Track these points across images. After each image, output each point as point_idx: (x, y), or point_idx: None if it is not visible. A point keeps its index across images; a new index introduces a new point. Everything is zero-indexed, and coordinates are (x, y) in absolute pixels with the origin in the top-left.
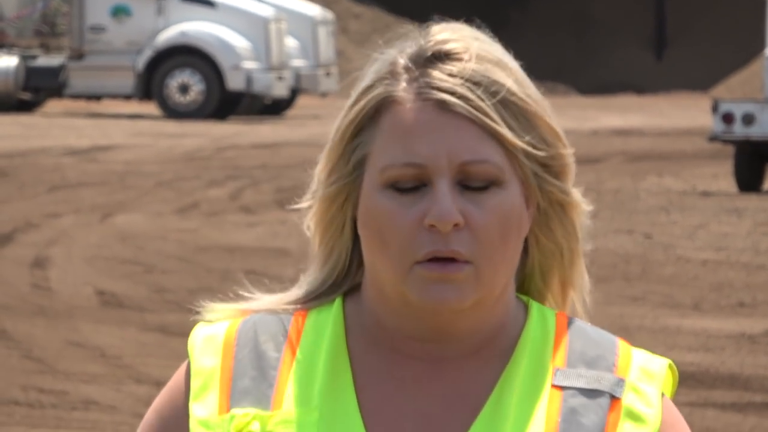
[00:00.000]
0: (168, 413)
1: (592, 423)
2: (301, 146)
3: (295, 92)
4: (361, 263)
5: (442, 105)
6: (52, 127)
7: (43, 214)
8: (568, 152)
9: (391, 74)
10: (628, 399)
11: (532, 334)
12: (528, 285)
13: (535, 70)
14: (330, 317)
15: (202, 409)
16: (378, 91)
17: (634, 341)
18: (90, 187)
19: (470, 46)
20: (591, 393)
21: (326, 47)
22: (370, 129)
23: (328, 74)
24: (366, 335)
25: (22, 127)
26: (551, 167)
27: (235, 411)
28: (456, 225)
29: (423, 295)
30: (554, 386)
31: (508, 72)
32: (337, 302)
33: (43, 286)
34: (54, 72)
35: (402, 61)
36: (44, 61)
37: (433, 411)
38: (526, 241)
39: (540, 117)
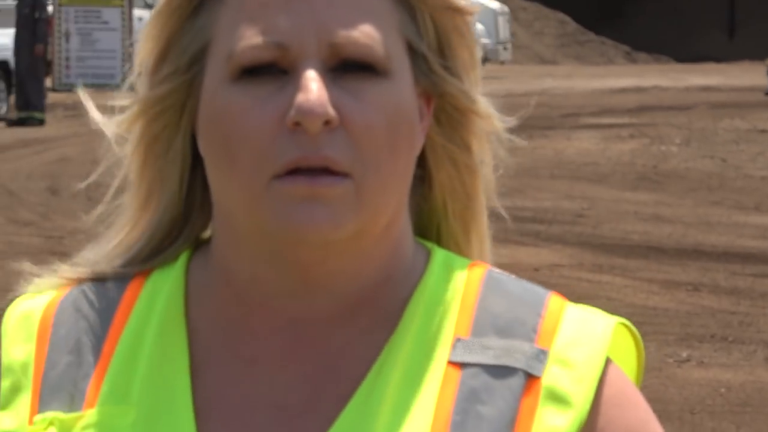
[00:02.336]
0: None
1: (497, 411)
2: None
3: (483, 61)
4: (206, 201)
5: None
6: None
7: None
8: (472, 44)
9: None
10: (550, 376)
11: (430, 290)
12: (431, 227)
13: (648, 45)
14: (169, 279)
15: (11, 417)
16: None
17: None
18: None
19: None
20: (498, 371)
21: (503, 30)
22: (211, 7)
23: (504, 48)
24: (212, 301)
25: None
26: (451, 62)
27: (37, 417)
28: (328, 123)
29: (284, 218)
30: (451, 363)
31: None
32: (181, 260)
33: None
34: None
35: None
36: None
37: (291, 399)
38: (424, 168)
39: None
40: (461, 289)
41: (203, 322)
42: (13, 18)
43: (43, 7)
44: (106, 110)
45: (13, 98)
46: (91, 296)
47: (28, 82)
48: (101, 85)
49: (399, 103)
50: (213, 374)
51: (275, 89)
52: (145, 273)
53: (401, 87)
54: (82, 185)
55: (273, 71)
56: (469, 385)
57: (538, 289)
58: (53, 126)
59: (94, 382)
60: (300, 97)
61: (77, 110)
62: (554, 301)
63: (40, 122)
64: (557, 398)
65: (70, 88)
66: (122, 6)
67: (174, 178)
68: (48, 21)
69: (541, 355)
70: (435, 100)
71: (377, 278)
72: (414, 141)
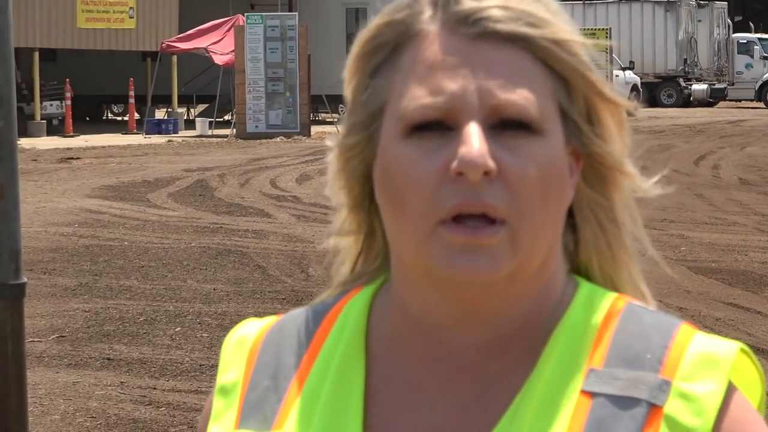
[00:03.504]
0: None
1: None
2: None
3: None
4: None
5: (474, 31)
6: None
7: None
8: (621, 105)
9: (413, 6)
10: (671, 406)
11: (572, 323)
12: (583, 266)
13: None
14: (356, 311)
15: (218, 429)
16: (397, 21)
17: None
18: None
19: None
20: (624, 401)
21: None
22: (388, 71)
23: None
24: (389, 331)
25: None
26: (598, 128)
27: None
28: (487, 173)
29: (448, 263)
30: (584, 392)
31: (547, 8)
32: (367, 292)
33: None
34: None
35: None
36: None
37: (447, 424)
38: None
39: (587, 66)
40: (598, 320)
41: (381, 348)
42: None
43: None
44: None
45: None
46: (296, 323)
47: None
48: None
49: (551, 158)
50: (384, 400)
51: (441, 144)
52: (346, 299)
53: (553, 144)
54: None
55: (439, 128)
56: (598, 414)
57: (671, 320)
58: None
59: (285, 405)
60: (462, 150)
61: None
62: (683, 331)
63: None
64: (677, 428)
65: None
66: (606, 68)
67: (364, 216)
68: None
69: (665, 386)
70: (583, 159)
71: (529, 312)
72: (564, 193)
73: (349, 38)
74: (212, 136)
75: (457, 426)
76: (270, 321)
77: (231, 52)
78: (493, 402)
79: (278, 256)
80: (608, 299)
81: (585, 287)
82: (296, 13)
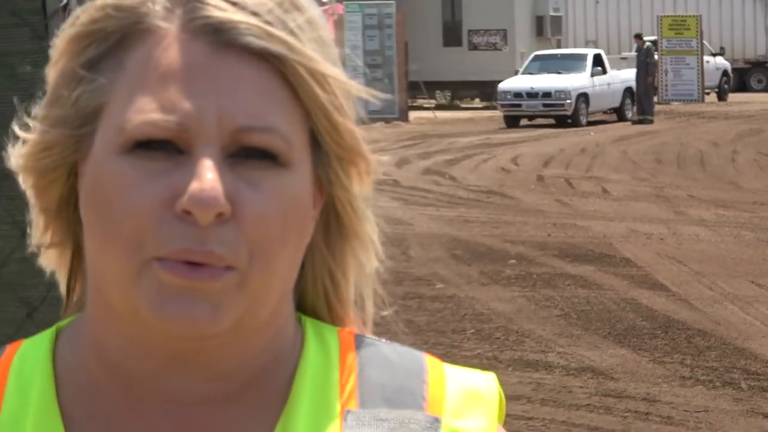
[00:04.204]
0: None
1: None
2: None
3: None
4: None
5: (219, 39)
6: None
7: None
8: (365, 147)
9: None
10: None
11: (311, 363)
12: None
13: None
14: (36, 365)
15: None
16: (125, 12)
17: None
18: None
19: None
20: None
21: None
22: (110, 68)
23: None
24: (87, 383)
25: None
26: (345, 154)
27: None
28: (220, 215)
29: (160, 309)
30: None
31: (306, 13)
32: (46, 339)
33: None
34: None
35: None
36: None
37: None
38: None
39: (337, 108)
40: (336, 358)
41: (79, 408)
42: (634, 62)
43: (652, 56)
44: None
45: (635, 108)
46: None
47: (644, 98)
48: (686, 101)
49: (296, 194)
50: None
51: (168, 168)
52: (14, 347)
53: (300, 177)
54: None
55: (167, 148)
56: None
57: (413, 352)
58: (658, 124)
59: None
60: (194, 186)
61: (671, 114)
62: (432, 363)
63: (651, 122)
64: None
65: (668, 102)
66: (697, 54)
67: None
68: (654, 64)
69: (436, 423)
70: (326, 195)
71: (262, 361)
72: (306, 231)
73: (446, 25)
74: None
75: None
76: None
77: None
78: None
79: (379, 238)
80: (335, 333)
81: (308, 323)
82: (393, 2)
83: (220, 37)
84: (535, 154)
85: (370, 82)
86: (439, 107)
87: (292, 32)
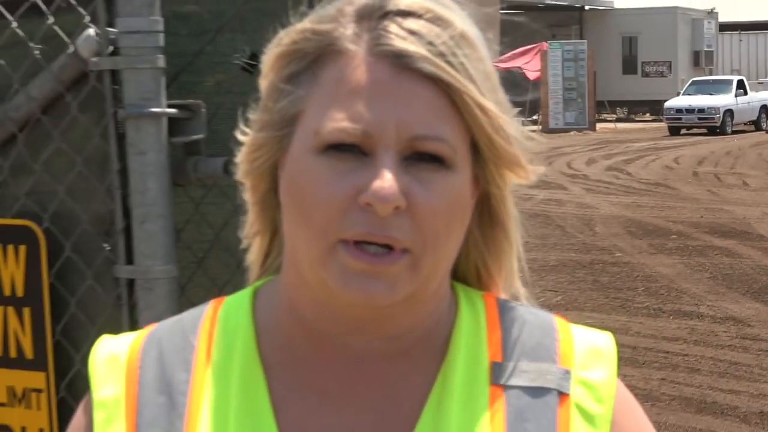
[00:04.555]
0: None
1: (542, 428)
2: None
3: None
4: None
5: (399, 63)
6: None
7: None
8: (520, 152)
9: (339, 17)
10: (576, 394)
11: (465, 323)
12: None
13: None
14: (239, 319)
15: None
16: (321, 32)
17: None
18: None
19: (433, 8)
20: (537, 391)
21: None
22: (307, 81)
23: None
24: (282, 337)
25: None
26: (501, 163)
27: None
28: (397, 208)
29: (345, 285)
30: (494, 385)
31: (474, 47)
32: (242, 296)
33: None
34: None
35: (351, 9)
36: None
37: (363, 426)
38: None
39: (504, 110)
40: (483, 318)
41: (276, 355)
42: None
43: None
44: None
45: None
46: (172, 336)
47: None
48: None
49: (459, 192)
50: (292, 408)
51: (355, 167)
52: (217, 305)
53: (462, 178)
54: None
55: (354, 150)
56: (515, 406)
57: (544, 314)
58: None
59: (190, 423)
60: (376, 184)
61: None
62: (560, 323)
63: None
64: (585, 415)
65: None
66: None
67: (262, 218)
68: None
69: (567, 374)
70: (482, 189)
71: (427, 324)
72: (466, 221)
73: (624, 59)
74: None
75: (374, 427)
76: (137, 336)
77: (538, 69)
78: (405, 401)
79: (572, 218)
80: (481, 297)
81: (460, 289)
82: (585, 41)
83: (399, 61)
84: (691, 156)
85: (567, 102)
86: (619, 120)
87: (461, 63)
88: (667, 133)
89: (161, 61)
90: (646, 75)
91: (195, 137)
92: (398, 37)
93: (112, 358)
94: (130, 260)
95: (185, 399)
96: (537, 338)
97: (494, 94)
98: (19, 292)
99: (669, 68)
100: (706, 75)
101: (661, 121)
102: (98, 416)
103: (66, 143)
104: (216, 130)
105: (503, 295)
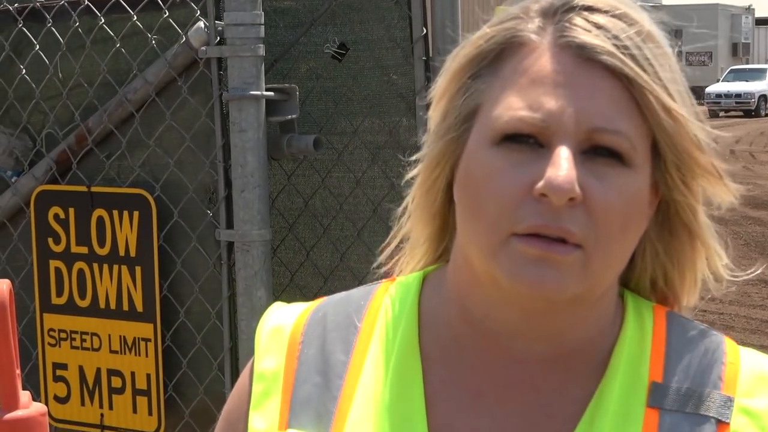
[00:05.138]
0: (235, 418)
1: None
2: None
3: None
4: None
5: (582, 54)
6: None
7: None
8: (707, 159)
9: (523, 14)
10: (737, 423)
11: (629, 336)
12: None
13: None
14: (405, 307)
15: (261, 420)
16: (504, 28)
17: None
18: None
19: (621, 6)
20: (694, 418)
21: None
22: (488, 75)
23: None
24: (445, 331)
25: None
26: (685, 168)
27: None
28: (572, 199)
29: (516, 273)
30: (650, 407)
31: (661, 47)
32: (411, 286)
33: None
34: None
35: (536, 6)
36: None
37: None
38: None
39: (691, 113)
40: (650, 333)
41: (436, 349)
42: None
43: None
44: None
45: None
46: (337, 314)
47: None
48: None
49: (636, 191)
50: (444, 404)
51: (530, 159)
52: (384, 289)
53: (640, 178)
54: None
55: (530, 142)
56: (668, 430)
57: (714, 333)
58: None
59: (342, 405)
60: (551, 172)
61: None
62: (730, 345)
63: None
64: None
65: None
66: None
67: (436, 218)
68: None
69: (729, 402)
70: (661, 197)
71: (588, 332)
72: (642, 225)
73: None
74: None
75: None
76: (305, 309)
77: None
78: (559, 413)
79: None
80: (651, 309)
81: (630, 298)
82: None
83: (582, 52)
84: (729, 136)
85: None
86: None
87: (647, 59)
88: (708, 116)
89: (261, 50)
90: (689, 64)
91: (289, 117)
92: (583, 29)
93: (276, 330)
94: (230, 225)
95: (341, 382)
96: (702, 360)
97: (681, 96)
98: (132, 253)
99: (710, 58)
100: (743, 64)
101: (702, 104)
102: (256, 388)
103: (176, 121)
104: (308, 111)
105: (677, 309)
